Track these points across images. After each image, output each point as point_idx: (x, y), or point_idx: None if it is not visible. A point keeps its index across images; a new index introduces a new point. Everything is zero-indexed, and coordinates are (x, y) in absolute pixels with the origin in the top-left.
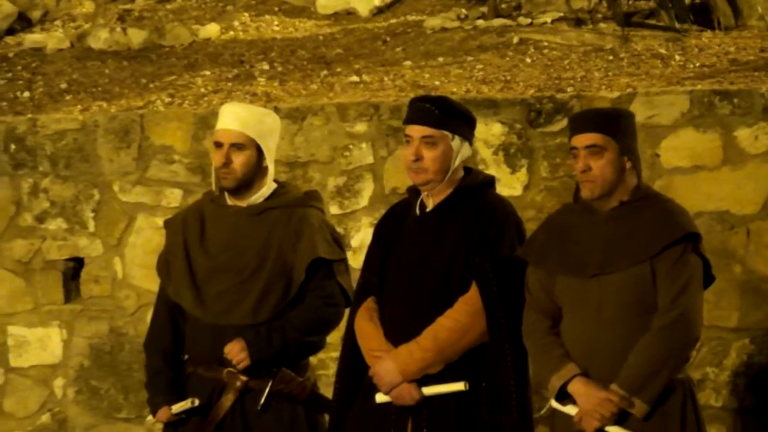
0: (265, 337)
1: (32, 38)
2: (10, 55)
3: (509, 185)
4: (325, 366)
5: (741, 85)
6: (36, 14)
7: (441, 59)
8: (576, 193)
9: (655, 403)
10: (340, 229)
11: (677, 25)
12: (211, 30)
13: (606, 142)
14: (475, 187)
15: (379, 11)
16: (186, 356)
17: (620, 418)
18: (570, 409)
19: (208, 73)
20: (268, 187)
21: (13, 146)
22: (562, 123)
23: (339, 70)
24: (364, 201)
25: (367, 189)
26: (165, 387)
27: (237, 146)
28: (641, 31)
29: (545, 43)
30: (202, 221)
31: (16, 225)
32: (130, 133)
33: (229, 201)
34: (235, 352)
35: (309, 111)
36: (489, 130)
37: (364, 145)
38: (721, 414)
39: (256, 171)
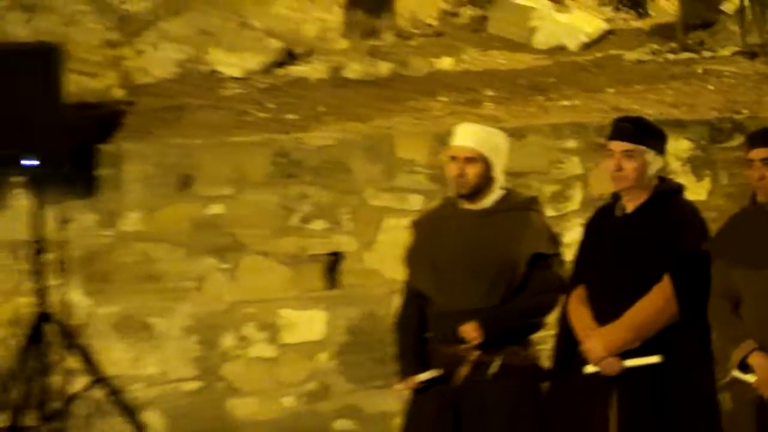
0: (494, 319)
1: (297, 70)
2: (279, 84)
3: (695, 192)
4: (544, 342)
5: None
6: (300, 50)
7: (637, 86)
8: (752, 198)
9: None
10: (555, 229)
11: None
12: (446, 62)
13: None
14: (667, 193)
15: (587, 46)
16: (429, 335)
17: None
18: (749, 378)
19: (443, 98)
20: (496, 194)
21: (282, 160)
22: (740, 140)
23: (553, 95)
24: (574, 205)
25: (577, 195)
26: (412, 360)
27: (470, 159)
28: None
29: (725, 73)
30: (441, 222)
31: (286, 226)
32: (379, 148)
33: (463, 205)
34: (470, 331)
35: (529, 130)
36: (678, 146)
37: (574, 159)
38: None
39: (485, 180)
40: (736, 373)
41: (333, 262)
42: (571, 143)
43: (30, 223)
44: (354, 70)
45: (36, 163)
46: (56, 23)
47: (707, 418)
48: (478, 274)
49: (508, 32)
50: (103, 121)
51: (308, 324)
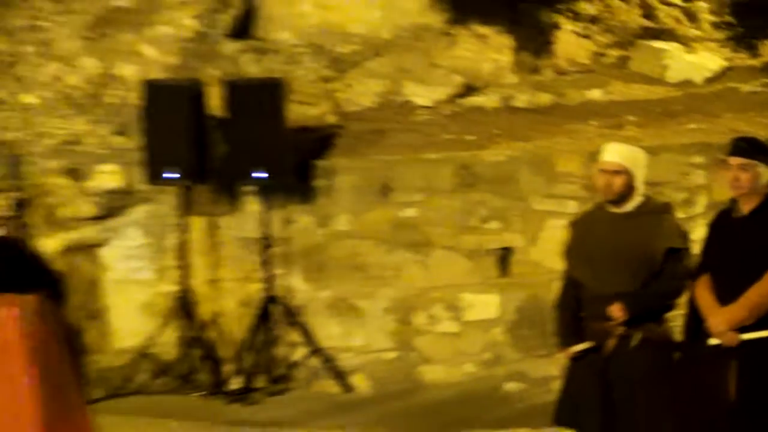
0: (636, 301)
1: (475, 100)
2: (461, 111)
3: None
4: (676, 320)
5: None
6: (477, 84)
7: (751, 112)
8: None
9: None
10: (685, 228)
11: None
12: (596, 93)
13: None
14: None
15: (710, 80)
16: (583, 314)
17: None
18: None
19: (593, 123)
20: (637, 200)
21: (463, 173)
22: None
23: (682, 120)
24: (700, 209)
25: (702, 201)
26: (569, 334)
27: (616, 172)
28: None
29: None
30: (593, 222)
31: (467, 226)
32: (542, 163)
33: (611, 209)
34: (616, 310)
35: (663, 148)
36: None
37: (700, 171)
38: None
39: (628, 189)
40: None
41: (504, 255)
42: (697, 159)
43: (260, 223)
44: (521, 100)
45: (265, 175)
46: (281, 63)
47: None
48: (623, 264)
49: (646, 69)
50: (319, 141)
51: (484, 305)
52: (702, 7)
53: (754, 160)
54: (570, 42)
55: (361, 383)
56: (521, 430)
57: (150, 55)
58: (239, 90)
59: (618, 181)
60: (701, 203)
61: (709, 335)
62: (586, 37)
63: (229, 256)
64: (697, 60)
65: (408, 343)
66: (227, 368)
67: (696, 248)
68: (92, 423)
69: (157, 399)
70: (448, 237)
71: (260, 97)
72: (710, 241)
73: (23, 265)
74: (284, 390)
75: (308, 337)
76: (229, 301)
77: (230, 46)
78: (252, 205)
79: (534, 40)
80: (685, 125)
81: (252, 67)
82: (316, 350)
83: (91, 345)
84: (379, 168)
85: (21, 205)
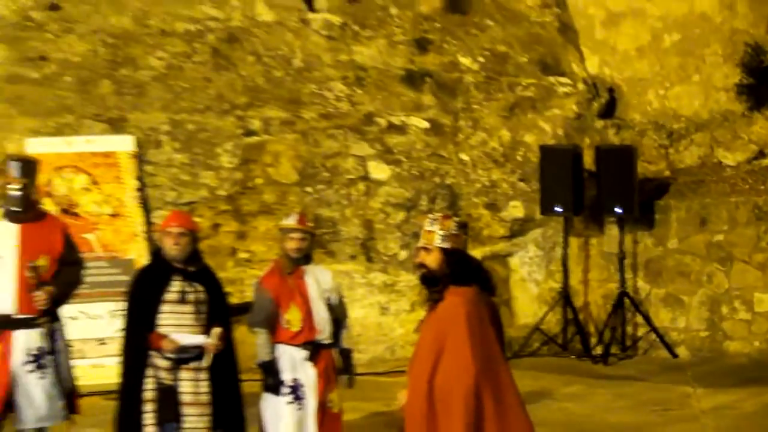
0: None
1: (765, 162)
2: (754, 168)
3: None
4: None
5: None
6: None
7: None
8: None
9: None
10: None
11: None
12: None
13: None
14: None
15: None
16: None
17: None
18: None
19: None
20: None
21: None
22: None
23: None
24: None
25: None
26: None
27: None
28: None
29: None
30: None
31: (758, 246)
32: None
33: None
34: None
35: None
36: None
37: None
38: None
39: None
40: None
41: None
42: None
43: (617, 243)
44: None
45: (621, 210)
46: (633, 134)
47: None
48: None
49: None
50: (658, 188)
51: None
52: None
53: None
54: None
55: (682, 352)
56: None
57: (545, 128)
58: (605, 153)
59: None
60: None
61: None
62: None
63: (596, 265)
64: None
65: (716, 325)
66: (592, 340)
67: None
68: (511, 376)
69: (544, 360)
70: (745, 254)
71: (619, 158)
72: None
73: (465, 267)
74: (631, 356)
75: (648, 320)
76: (595, 295)
77: (599, 123)
78: (612, 230)
79: None
80: None
81: (613, 137)
82: (653, 329)
83: (503, 322)
84: (698, 207)
85: (463, 226)
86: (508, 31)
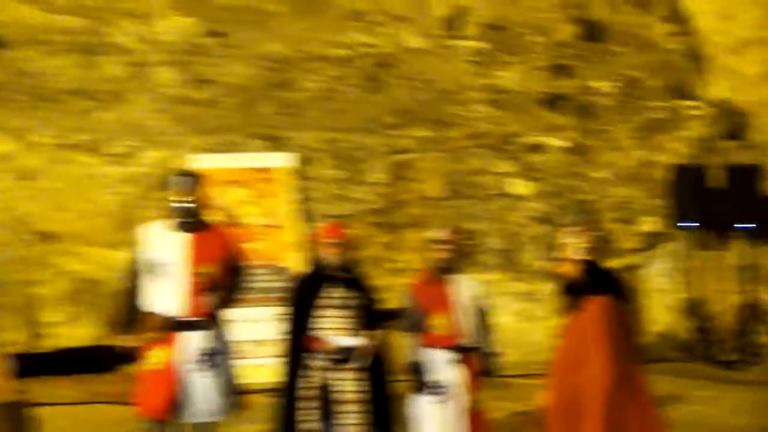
0: None
1: None
2: None
3: None
4: None
5: None
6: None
7: None
8: None
9: None
10: None
11: None
12: None
13: None
14: None
15: None
16: None
17: None
18: None
19: None
20: None
21: None
22: None
23: None
24: None
25: None
26: None
27: None
28: None
29: None
30: None
31: None
32: None
33: None
34: None
35: None
36: None
37: None
38: None
39: None
40: None
41: None
42: None
43: (741, 256)
44: None
45: (745, 225)
46: (758, 154)
47: None
48: None
49: None
50: None
51: None
52: None
53: None
54: None
55: None
56: None
57: (674, 148)
58: (731, 171)
59: None
60: None
61: None
62: None
63: (722, 277)
64: None
65: None
66: (720, 347)
67: None
68: (645, 379)
69: (674, 365)
70: None
71: (745, 176)
72: None
73: (602, 277)
74: (757, 362)
75: None
76: (721, 304)
77: (725, 144)
78: (737, 244)
79: None
80: None
81: (739, 157)
82: None
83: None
84: None
85: (602, 239)
86: (640, 58)
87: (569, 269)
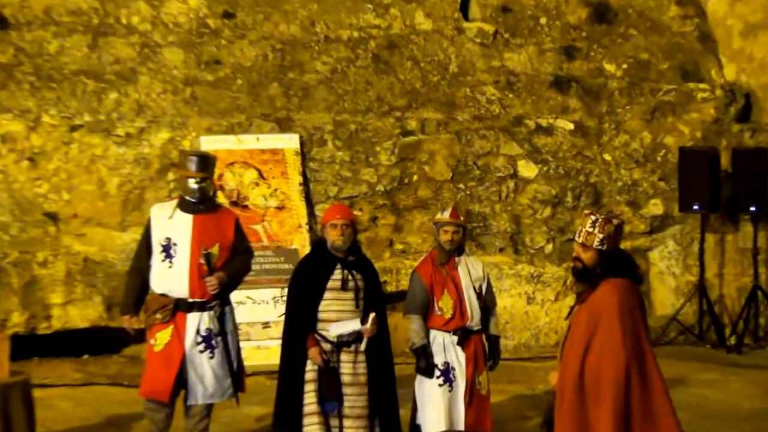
0: None
1: None
2: None
3: None
4: None
5: None
6: None
7: None
8: None
9: None
10: None
11: None
12: None
13: None
14: None
15: None
16: None
17: None
18: None
19: None
20: None
21: None
22: None
23: None
24: None
25: None
26: None
27: None
28: None
29: None
30: None
31: None
32: None
33: None
34: None
35: None
36: None
37: None
38: None
39: None
40: None
41: None
42: None
43: (751, 239)
44: None
45: (755, 209)
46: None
47: None
48: None
49: None
50: None
51: None
52: None
53: None
54: None
55: None
56: None
57: (684, 131)
58: (740, 154)
59: None
60: None
61: None
62: None
63: (730, 260)
64: None
65: None
66: (727, 330)
67: None
68: (657, 362)
69: (681, 348)
70: None
71: (754, 159)
72: None
73: (619, 263)
74: (764, 346)
75: None
76: (729, 288)
77: (735, 126)
78: (746, 228)
79: None
80: None
81: (749, 140)
82: None
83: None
84: None
85: (620, 229)
86: (651, 40)
87: (586, 256)
